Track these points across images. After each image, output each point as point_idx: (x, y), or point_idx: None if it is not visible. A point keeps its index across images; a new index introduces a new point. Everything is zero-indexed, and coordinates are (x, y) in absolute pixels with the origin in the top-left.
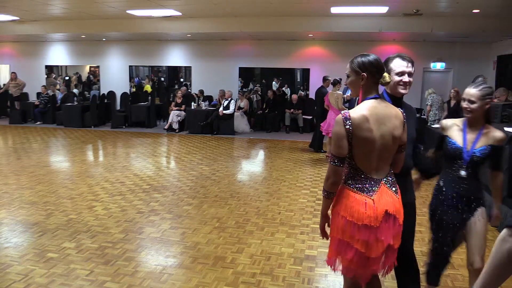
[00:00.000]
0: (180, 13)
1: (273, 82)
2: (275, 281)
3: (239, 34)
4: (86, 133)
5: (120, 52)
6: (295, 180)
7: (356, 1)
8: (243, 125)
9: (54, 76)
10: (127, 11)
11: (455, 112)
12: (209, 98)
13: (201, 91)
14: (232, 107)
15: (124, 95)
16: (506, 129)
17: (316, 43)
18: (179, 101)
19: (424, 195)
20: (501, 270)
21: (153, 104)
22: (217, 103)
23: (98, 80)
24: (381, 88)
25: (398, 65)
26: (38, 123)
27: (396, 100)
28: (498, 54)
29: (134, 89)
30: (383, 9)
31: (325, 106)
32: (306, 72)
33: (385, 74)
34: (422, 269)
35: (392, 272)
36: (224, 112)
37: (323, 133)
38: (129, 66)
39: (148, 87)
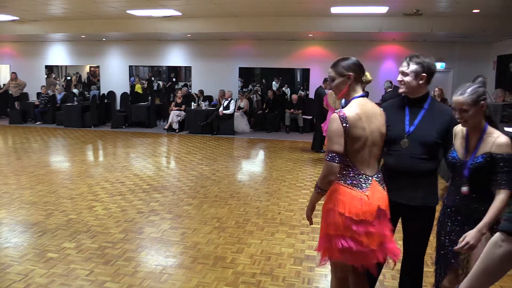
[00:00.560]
0: (180, 13)
1: (273, 82)
2: (275, 281)
3: (239, 34)
4: (86, 133)
5: (120, 52)
6: (295, 180)
7: (356, 1)
8: (243, 125)
9: (54, 76)
10: (127, 11)
11: None
12: (209, 98)
13: (201, 91)
14: (232, 107)
15: (124, 95)
16: (506, 129)
17: (316, 43)
18: (179, 101)
19: None
20: (490, 275)
21: (153, 104)
22: (217, 103)
23: (98, 80)
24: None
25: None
26: (38, 123)
27: (410, 100)
28: (498, 54)
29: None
30: (383, 9)
31: (324, 106)
32: (306, 72)
33: (367, 73)
34: (431, 279)
35: (392, 272)
36: (224, 112)
37: (324, 134)
38: (129, 66)
39: (138, 87)
